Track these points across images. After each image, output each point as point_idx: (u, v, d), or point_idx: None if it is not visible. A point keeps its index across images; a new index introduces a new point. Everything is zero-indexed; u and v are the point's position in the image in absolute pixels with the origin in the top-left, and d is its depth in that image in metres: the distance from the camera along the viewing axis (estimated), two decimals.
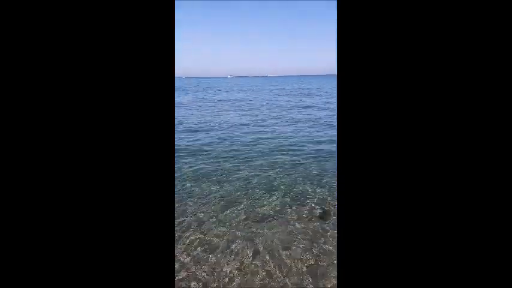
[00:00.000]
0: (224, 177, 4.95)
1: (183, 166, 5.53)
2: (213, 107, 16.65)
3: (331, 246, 2.93)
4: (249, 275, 2.57)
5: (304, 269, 2.63)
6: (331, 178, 4.76)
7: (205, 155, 6.39)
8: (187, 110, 15.27)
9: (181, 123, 10.67)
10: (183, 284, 2.46)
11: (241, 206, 3.86)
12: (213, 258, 2.80)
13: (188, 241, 3.07)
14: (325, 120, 11.24)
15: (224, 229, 3.30)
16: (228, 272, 2.61)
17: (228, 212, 3.71)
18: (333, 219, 3.47)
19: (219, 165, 5.59)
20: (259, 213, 3.66)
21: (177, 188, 4.48)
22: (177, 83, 65.18)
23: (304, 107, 15.87)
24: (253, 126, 10.21)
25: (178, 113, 13.57)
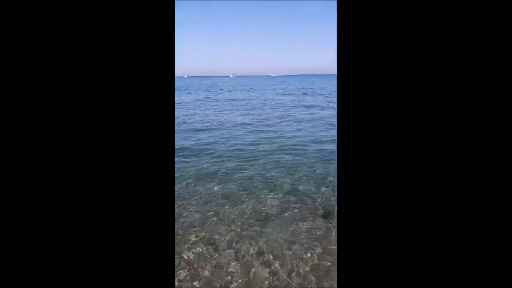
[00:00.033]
0: (227, 176, 4.96)
1: (186, 165, 5.54)
2: (216, 107, 16.66)
3: (334, 245, 2.93)
4: (252, 274, 2.58)
5: (308, 268, 2.63)
6: (334, 178, 4.75)
7: (208, 154, 6.40)
8: (190, 109, 15.29)
9: (184, 123, 10.69)
10: (186, 283, 2.47)
11: (245, 205, 3.86)
12: (217, 256, 2.81)
13: (191, 240, 3.08)
14: (328, 120, 11.21)
15: (227, 228, 3.30)
16: (232, 271, 2.61)
17: (232, 211, 3.71)
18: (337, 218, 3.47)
19: (222, 165, 5.59)
20: (262, 213, 3.66)
21: (181, 187, 4.49)
22: (179, 83, 65.25)
23: (308, 107, 15.84)
24: (256, 125, 10.21)
25: (182, 113, 13.59)
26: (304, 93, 26.49)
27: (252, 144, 7.36)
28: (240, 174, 5.04)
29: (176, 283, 2.46)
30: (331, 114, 12.77)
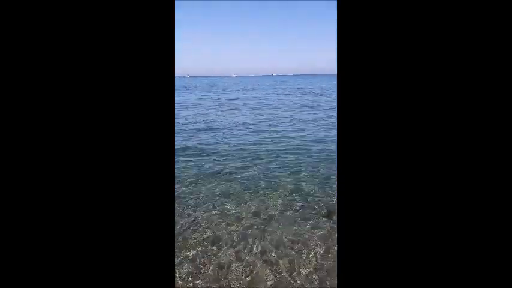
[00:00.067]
0: (231, 176, 4.96)
1: (189, 165, 5.55)
2: (218, 106, 16.68)
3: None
4: (255, 273, 2.58)
5: (311, 268, 2.63)
6: None
7: (211, 154, 6.40)
8: (192, 109, 15.31)
9: (187, 123, 10.70)
10: (190, 281, 2.47)
11: (248, 205, 3.87)
12: (220, 255, 2.82)
13: (195, 238, 3.09)
14: (333, 120, 11.18)
15: (231, 227, 3.31)
16: (235, 270, 2.62)
17: (235, 210, 3.72)
18: None
19: (225, 165, 5.60)
20: (266, 212, 3.66)
21: (184, 186, 4.50)
22: (181, 82, 65.44)
23: (311, 107, 15.82)
24: (259, 125, 10.21)
25: (184, 113, 13.61)
26: (307, 93, 26.47)
27: (255, 144, 7.36)
28: (243, 174, 5.04)
29: (180, 282, 2.46)
30: (333, 114, 12.74)
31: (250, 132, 9.00)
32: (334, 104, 16.96)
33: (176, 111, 13.57)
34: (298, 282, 2.47)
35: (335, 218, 3.46)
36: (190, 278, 2.51)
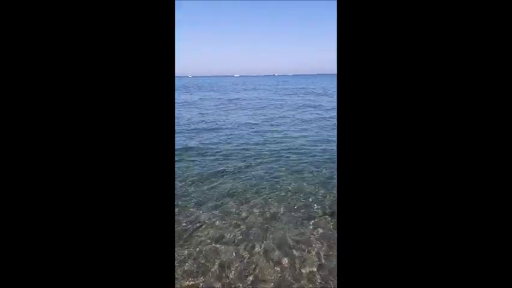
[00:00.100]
0: (233, 176, 4.96)
1: (192, 165, 5.55)
2: (221, 106, 16.69)
3: None
4: (258, 272, 2.58)
5: (314, 268, 2.63)
6: None
7: (214, 154, 6.41)
8: (195, 109, 15.33)
9: (189, 123, 10.70)
10: (193, 279, 2.48)
11: (251, 204, 3.87)
12: (224, 254, 2.82)
13: (197, 238, 3.09)
14: (335, 120, 11.13)
15: (233, 227, 3.32)
16: (238, 269, 2.62)
17: (238, 210, 3.72)
18: None
19: (228, 164, 5.60)
20: (269, 212, 3.67)
21: (186, 186, 4.50)
22: (184, 82, 65.57)
23: (313, 107, 15.80)
24: (262, 125, 10.21)
25: (186, 112, 13.63)
26: (309, 93, 26.44)
27: (257, 144, 7.36)
28: (246, 174, 5.04)
29: (182, 280, 2.47)
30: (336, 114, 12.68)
31: (253, 132, 9.00)
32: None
33: (179, 111, 13.60)
34: (301, 282, 2.47)
35: None
36: (192, 277, 2.52)
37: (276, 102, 18.54)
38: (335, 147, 6.79)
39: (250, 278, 2.52)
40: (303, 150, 6.64)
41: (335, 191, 4.21)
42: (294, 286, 2.43)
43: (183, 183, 4.61)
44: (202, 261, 2.72)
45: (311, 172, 5.11)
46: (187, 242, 3.01)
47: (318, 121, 10.91)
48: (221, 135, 8.45)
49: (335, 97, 21.83)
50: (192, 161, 5.85)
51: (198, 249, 2.90)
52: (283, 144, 7.27)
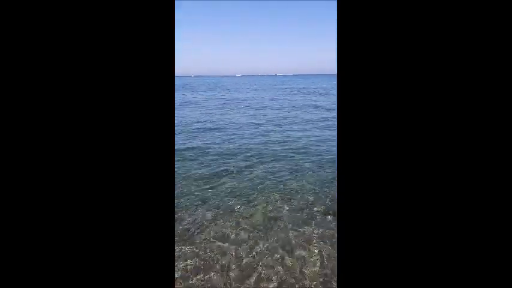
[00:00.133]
0: (236, 175, 4.96)
1: (194, 164, 5.56)
2: (223, 106, 16.70)
3: None
4: (261, 272, 2.58)
5: (317, 267, 2.63)
6: None
7: (217, 153, 6.41)
8: (198, 108, 15.35)
9: (192, 123, 10.71)
10: (193, 280, 2.48)
11: (253, 204, 3.88)
12: (225, 254, 2.82)
13: (198, 237, 3.10)
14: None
15: (236, 227, 3.32)
16: (240, 269, 2.62)
17: (240, 210, 3.73)
18: None
19: (231, 164, 5.60)
20: (271, 211, 3.67)
21: (189, 185, 4.51)
22: (186, 82, 65.68)
23: (315, 107, 15.78)
24: (264, 125, 10.20)
25: (188, 112, 13.64)
26: (310, 93, 26.40)
27: (260, 144, 7.36)
28: (249, 174, 5.05)
29: (183, 280, 2.47)
30: None
31: (255, 132, 8.99)
32: None
33: (182, 111, 13.62)
34: (303, 281, 2.47)
35: None
36: (193, 277, 2.52)
37: (278, 102, 18.53)
38: None
39: (252, 277, 2.52)
40: (305, 150, 6.63)
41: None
42: (296, 286, 2.42)
43: (185, 182, 4.62)
44: (204, 261, 2.72)
45: (314, 172, 5.11)
46: (189, 241, 3.02)
47: (320, 121, 10.90)
48: (224, 135, 8.45)
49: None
50: (195, 160, 5.86)
51: (199, 248, 2.91)
52: (285, 144, 7.27)
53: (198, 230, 3.24)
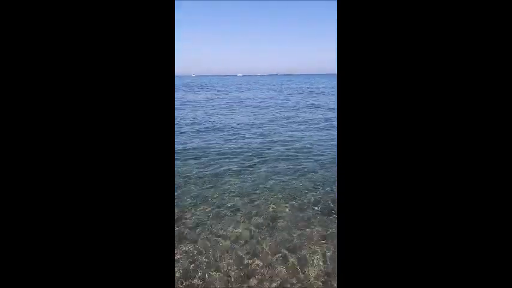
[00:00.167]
0: (238, 176, 4.95)
1: (196, 164, 5.56)
2: (225, 106, 16.69)
3: None
4: (263, 271, 2.58)
5: (320, 267, 2.63)
6: None
7: (219, 153, 6.39)
8: (199, 108, 15.35)
9: (193, 123, 10.70)
10: (194, 280, 2.48)
11: (256, 204, 3.87)
12: (227, 254, 2.82)
13: (199, 237, 3.10)
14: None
15: (238, 226, 3.32)
16: (243, 268, 2.62)
17: (243, 209, 3.72)
18: None
19: (233, 164, 5.59)
20: (274, 211, 3.66)
21: (191, 185, 4.51)
22: (187, 81, 65.72)
23: (318, 106, 15.75)
24: (267, 125, 10.18)
25: (191, 112, 13.64)
26: (312, 93, 26.36)
27: (263, 143, 7.36)
28: (251, 174, 5.04)
29: (183, 280, 2.47)
30: None
31: (258, 132, 8.99)
32: None
33: (184, 111, 13.63)
34: (305, 282, 2.46)
35: None
36: (194, 277, 2.52)
37: (281, 102, 18.51)
38: None
39: (254, 277, 2.52)
40: (308, 150, 6.62)
41: None
42: (298, 286, 2.42)
43: (187, 182, 4.62)
44: (205, 260, 2.73)
45: (316, 172, 5.10)
46: (190, 241, 3.02)
47: (322, 121, 10.88)
48: (226, 135, 8.45)
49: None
50: (197, 160, 5.86)
51: (200, 248, 2.91)
52: (288, 144, 7.26)
53: (200, 229, 3.24)
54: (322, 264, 2.67)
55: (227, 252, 2.85)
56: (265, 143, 7.49)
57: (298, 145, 7.16)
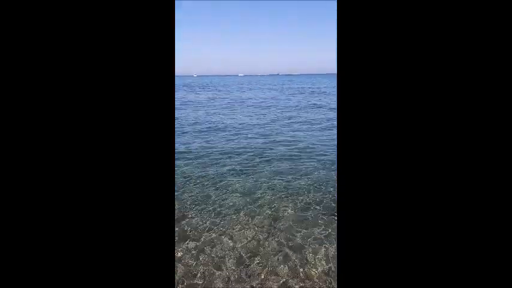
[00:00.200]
0: (240, 176, 4.95)
1: (198, 164, 5.56)
2: (227, 106, 16.70)
3: None
4: (264, 272, 2.58)
5: (322, 268, 2.62)
6: None
7: (220, 154, 6.40)
8: (201, 108, 15.36)
9: (196, 123, 10.71)
10: (194, 279, 2.48)
11: (258, 204, 3.87)
12: (229, 253, 2.82)
13: (202, 237, 3.10)
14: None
15: (240, 226, 3.32)
16: (245, 268, 2.63)
17: (245, 209, 3.72)
18: None
19: (234, 165, 5.59)
20: (276, 211, 3.67)
21: (192, 185, 4.51)
22: (189, 81, 65.82)
23: (319, 106, 15.74)
24: (269, 125, 10.18)
25: (193, 112, 13.66)
26: (314, 93, 26.35)
27: (265, 144, 7.35)
28: (253, 174, 5.04)
29: (187, 279, 2.47)
30: None
31: (260, 132, 8.99)
32: None
33: (185, 111, 13.64)
34: (307, 282, 2.46)
35: None
36: (195, 276, 2.52)
37: (282, 102, 18.50)
38: None
39: (256, 277, 2.51)
40: (310, 150, 6.62)
41: None
42: (299, 285, 2.42)
43: (189, 182, 4.63)
44: (207, 260, 2.73)
45: (318, 172, 5.10)
46: (192, 240, 3.03)
47: (324, 121, 10.87)
48: (228, 135, 8.46)
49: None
50: (199, 160, 5.86)
51: (202, 247, 2.92)
52: (290, 144, 7.25)
53: (202, 229, 3.25)
54: (324, 264, 2.66)
55: (229, 251, 2.84)
56: (267, 143, 7.49)
57: (300, 145, 7.15)
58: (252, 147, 7.04)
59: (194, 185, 4.54)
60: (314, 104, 16.77)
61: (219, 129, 9.51)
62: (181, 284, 2.44)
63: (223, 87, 40.29)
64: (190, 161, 5.82)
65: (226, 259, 2.74)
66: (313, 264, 2.67)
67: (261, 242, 3.02)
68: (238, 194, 4.20)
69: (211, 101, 20.09)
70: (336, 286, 2.41)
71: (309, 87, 35.52)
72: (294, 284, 2.43)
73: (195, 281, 2.47)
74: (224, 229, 3.26)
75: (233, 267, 2.63)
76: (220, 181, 4.71)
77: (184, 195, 4.15)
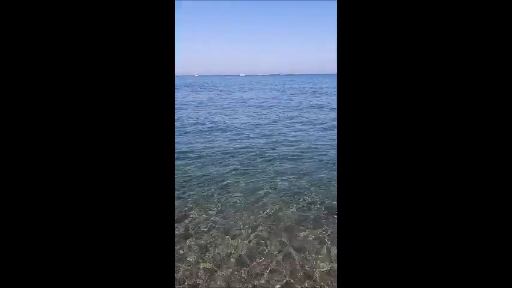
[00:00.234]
0: (241, 176, 4.95)
1: (199, 165, 5.57)
2: (228, 106, 16.71)
3: None
4: (266, 272, 2.58)
5: (324, 268, 2.62)
6: None
7: (222, 154, 6.40)
8: (202, 108, 15.37)
9: (197, 123, 10.71)
10: (195, 279, 2.48)
11: (260, 204, 3.87)
12: (230, 253, 2.82)
13: (204, 237, 3.10)
14: None
15: (242, 227, 3.31)
16: (247, 268, 2.63)
17: (246, 210, 3.72)
18: None
19: (236, 165, 5.59)
20: (278, 211, 3.67)
21: (193, 185, 4.51)
22: (189, 81, 65.93)
23: (321, 106, 15.73)
24: (270, 125, 10.18)
25: (194, 113, 13.67)
26: (315, 93, 26.33)
27: (267, 144, 7.36)
28: (254, 174, 5.03)
29: (188, 279, 2.47)
30: None
31: (262, 132, 8.99)
32: None
33: (187, 111, 13.65)
34: (309, 281, 2.46)
35: None
36: (195, 276, 2.52)
37: (283, 102, 18.50)
38: None
39: (258, 277, 2.51)
40: (312, 150, 6.62)
41: None
42: (301, 284, 2.41)
43: (191, 182, 4.63)
44: (208, 259, 2.73)
45: (320, 172, 5.09)
46: (193, 240, 3.03)
47: (326, 121, 10.85)
48: (230, 135, 8.46)
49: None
50: (200, 160, 5.86)
51: (203, 247, 2.92)
52: (292, 144, 7.25)
53: (203, 228, 3.25)
54: (326, 263, 2.65)
55: (230, 250, 2.84)
56: (269, 143, 7.49)
57: (302, 145, 7.15)
58: (254, 147, 7.04)
59: (196, 184, 4.55)
60: (316, 104, 16.76)
61: (221, 129, 9.51)
62: (182, 284, 2.43)
63: (225, 87, 40.32)
64: (192, 160, 5.83)
65: (228, 258, 2.74)
66: (315, 264, 2.66)
67: (263, 241, 3.01)
68: (240, 194, 4.20)
69: (213, 100, 20.11)
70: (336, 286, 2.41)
71: (311, 87, 35.51)
72: (296, 284, 2.43)
73: (195, 281, 2.47)
74: (226, 228, 3.25)
75: (234, 267, 2.63)
76: (222, 181, 4.71)
77: (186, 194, 4.15)
